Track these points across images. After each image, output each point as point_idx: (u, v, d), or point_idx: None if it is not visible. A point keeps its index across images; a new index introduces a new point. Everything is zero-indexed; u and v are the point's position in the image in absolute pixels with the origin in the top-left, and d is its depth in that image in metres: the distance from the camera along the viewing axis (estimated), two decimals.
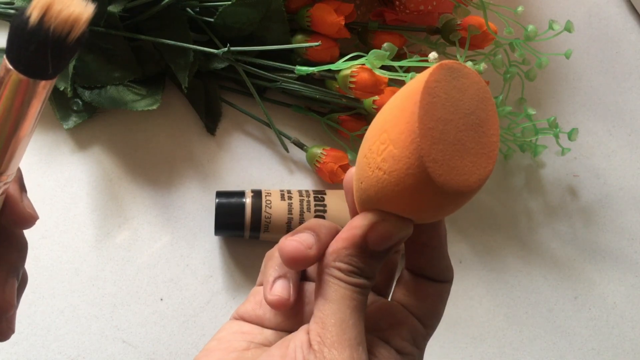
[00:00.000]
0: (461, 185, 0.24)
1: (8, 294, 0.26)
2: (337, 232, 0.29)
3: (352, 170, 0.29)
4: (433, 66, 0.25)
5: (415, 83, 0.25)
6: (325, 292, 0.27)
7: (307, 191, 0.49)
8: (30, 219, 0.26)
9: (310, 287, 0.32)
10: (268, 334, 0.31)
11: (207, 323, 0.48)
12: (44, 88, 0.22)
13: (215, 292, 0.49)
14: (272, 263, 0.31)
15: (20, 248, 0.27)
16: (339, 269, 0.27)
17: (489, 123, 0.26)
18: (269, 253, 0.32)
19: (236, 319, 0.33)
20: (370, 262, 0.27)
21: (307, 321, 0.31)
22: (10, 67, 0.21)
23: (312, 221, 0.30)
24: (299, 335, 0.27)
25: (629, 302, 0.52)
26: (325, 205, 0.48)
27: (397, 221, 0.27)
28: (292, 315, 0.31)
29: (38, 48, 0.21)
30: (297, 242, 0.28)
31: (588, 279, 0.53)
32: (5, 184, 0.25)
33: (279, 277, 0.30)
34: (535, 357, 0.50)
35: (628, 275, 0.53)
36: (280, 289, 0.30)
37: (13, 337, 0.46)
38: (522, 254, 0.53)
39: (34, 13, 0.21)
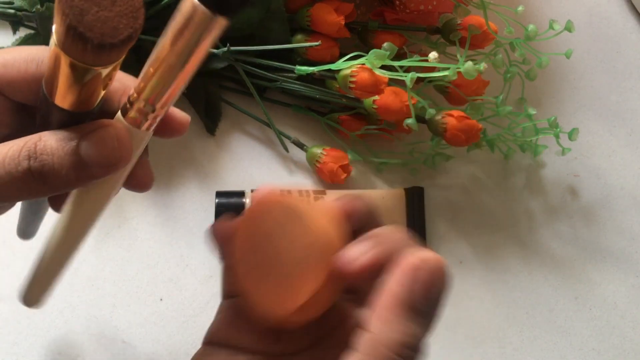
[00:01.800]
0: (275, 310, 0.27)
1: (147, 170, 0.31)
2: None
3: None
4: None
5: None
6: None
7: (307, 191, 0.49)
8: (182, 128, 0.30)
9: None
10: None
11: (206, 323, 0.48)
12: (219, 28, 0.23)
13: (215, 293, 0.49)
14: None
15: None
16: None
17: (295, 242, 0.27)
18: None
19: (206, 344, 0.31)
20: None
21: (294, 347, 0.29)
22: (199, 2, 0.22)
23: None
24: None
25: (630, 302, 0.52)
26: None
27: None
28: (274, 340, 0.29)
29: None
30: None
31: (589, 279, 0.53)
32: (158, 116, 0.26)
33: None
34: (535, 357, 0.50)
35: (629, 275, 0.53)
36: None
37: (13, 337, 0.46)
38: (522, 254, 0.53)
39: None
